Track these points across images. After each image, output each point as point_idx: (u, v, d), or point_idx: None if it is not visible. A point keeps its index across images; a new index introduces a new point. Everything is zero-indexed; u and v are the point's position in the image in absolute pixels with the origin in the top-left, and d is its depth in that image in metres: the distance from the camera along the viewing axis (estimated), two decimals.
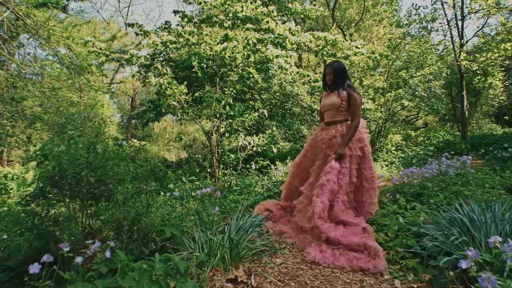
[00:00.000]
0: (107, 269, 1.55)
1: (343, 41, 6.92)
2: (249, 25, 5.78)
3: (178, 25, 7.88)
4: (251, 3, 6.65)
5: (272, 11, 6.69)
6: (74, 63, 9.09)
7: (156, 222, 2.05)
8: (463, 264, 1.38)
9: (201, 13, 7.53)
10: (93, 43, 6.25)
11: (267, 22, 6.60)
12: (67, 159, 1.80)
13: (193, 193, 4.12)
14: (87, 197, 1.84)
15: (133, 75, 6.71)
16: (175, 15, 8.44)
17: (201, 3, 6.71)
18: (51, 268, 1.48)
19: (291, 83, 8.07)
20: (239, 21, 6.45)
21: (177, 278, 1.35)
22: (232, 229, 2.21)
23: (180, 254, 1.96)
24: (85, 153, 1.91)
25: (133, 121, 24.18)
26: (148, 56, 6.81)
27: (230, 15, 6.42)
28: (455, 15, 9.11)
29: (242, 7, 6.51)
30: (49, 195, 1.80)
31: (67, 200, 1.84)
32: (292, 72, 5.95)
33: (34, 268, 1.39)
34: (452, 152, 6.79)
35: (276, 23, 6.59)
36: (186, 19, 7.83)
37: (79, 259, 1.52)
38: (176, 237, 2.21)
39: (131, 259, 1.55)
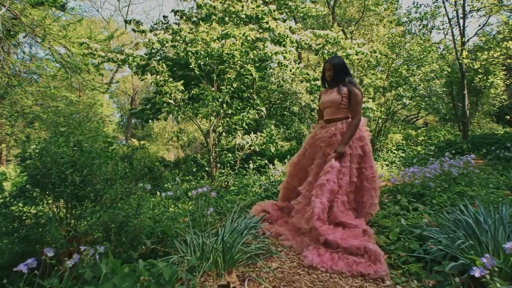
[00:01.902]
0: (92, 275, 1.46)
1: (344, 39, 6.82)
2: (251, 26, 5.70)
3: (176, 23, 7.79)
4: (252, 2, 6.56)
5: (274, 11, 6.60)
6: (71, 62, 8.99)
7: (146, 224, 1.95)
8: (476, 273, 1.27)
9: (199, 11, 7.43)
10: (88, 45, 6.14)
11: (267, 22, 6.52)
12: (51, 157, 1.70)
13: (189, 193, 4.02)
14: (72, 198, 1.74)
15: (131, 69, 6.64)
16: (174, 15, 8.35)
17: (200, 5, 6.62)
18: (33, 273, 1.38)
19: (289, 82, 7.97)
20: (239, 20, 6.36)
21: (163, 285, 1.26)
22: (226, 231, 2.11)
23: (170, 258, 1.87)
24: (71, 151, 1.81)
25: (133, 120, 24.10)
26: (145, 56, 6.71)
27: (232, 14, 6.34)
28: (457, 12, 9.01)
29: (243, 6, 6.43)
30: (30, 196, 1.70)
31: (50, 201, 1.73)
32: (292, 68, 5.84)
33: (22, 268, 1.29)
34: (454, 152, 6.69)
35: (277, 23, 6.49)
36: (184, 18, 7.74)
37: (69, 263, 1.42)
38: (167, 239, 2.11)
39: (118, 264, 1.46)
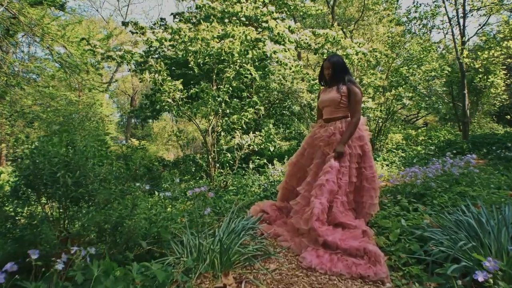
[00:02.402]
0: (83, 278, 1.42)
1: (344, 38, 6.79)
2: (250, 27, 5.68)
3: (175, 23, 7.76)
4: (251, 3, 6.54)
5: (273, 12, 6.57)
6: (70, 61, 8.93)
7: (141, 225, 1.91)
8: (479, 277, 1.23)
9: (198, 11, 7.39)
10: (88, 41, 6.11)
11: (267, 21, 6.49)
12: (43, 157, 1.66)
13: (187, 193, 3.98)
14: (65, 199, 1.70)
15: (129, 69, 6.62)
16: (174, 18, 8.33)
17: (200, 6, 6.59)
18: (26, 275, 1.35)
19: (290, 81, 7.92)
20: (240, 23, 6.34)
21: None
22: (223, 232, 2.08)
23: (166, 259, 1.83)
24: (64, 151, 1.77)
25: (132, 120, 24.08)
26: (143, 53, 6.67)
27: (231, 15, 6.33)
28: (457, 12, 8.97)
29: (242, 7, 6.40)
30: (24, 196, 1.66)
31: (43, 202, 1.70)
32: (292, 66, 5.81)
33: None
34: (454, 152, 6.66)
35: (277, 22, 6.46)
36: (184, 20, 7.73)
37: (58, 266, 1.38)
38: (163, 240, 2.07)
39: (111, 266, 1.42)
